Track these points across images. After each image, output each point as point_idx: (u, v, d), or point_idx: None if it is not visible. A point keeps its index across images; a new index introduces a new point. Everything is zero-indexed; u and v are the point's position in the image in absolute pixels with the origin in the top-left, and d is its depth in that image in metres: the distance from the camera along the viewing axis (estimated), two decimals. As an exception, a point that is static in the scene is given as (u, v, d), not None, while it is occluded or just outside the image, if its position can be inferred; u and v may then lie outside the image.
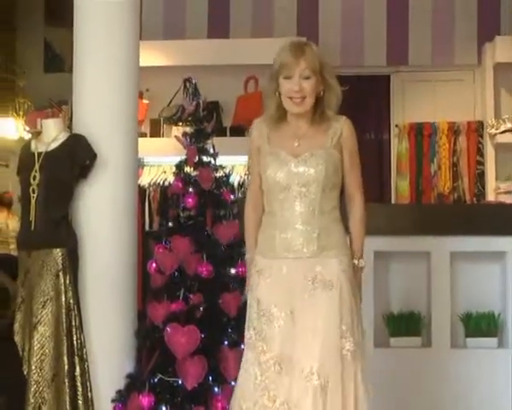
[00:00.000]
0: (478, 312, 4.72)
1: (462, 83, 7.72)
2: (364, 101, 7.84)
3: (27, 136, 9.19)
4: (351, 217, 3.55)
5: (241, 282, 4.18)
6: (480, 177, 7.47)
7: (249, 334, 3.47)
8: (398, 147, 7.68)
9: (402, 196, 7.52)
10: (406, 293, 4.74)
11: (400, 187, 7.58)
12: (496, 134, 7.25)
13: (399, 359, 4.64)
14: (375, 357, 4.60)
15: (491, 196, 7.23)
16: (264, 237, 3.53)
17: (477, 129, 7.55)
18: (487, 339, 4.68)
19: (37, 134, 4.75)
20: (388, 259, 4.72)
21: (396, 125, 7.76)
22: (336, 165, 3.45)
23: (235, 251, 4.43)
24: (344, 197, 3.55)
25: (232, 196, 4.67)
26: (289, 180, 3.41)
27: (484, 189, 7.40)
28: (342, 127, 3.50)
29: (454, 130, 7.60)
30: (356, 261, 3.49)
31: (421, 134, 7.67)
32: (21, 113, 10.11)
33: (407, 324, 4.69)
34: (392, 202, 7.53)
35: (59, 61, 10.87)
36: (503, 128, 7.22)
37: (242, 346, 3.61)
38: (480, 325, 4.70)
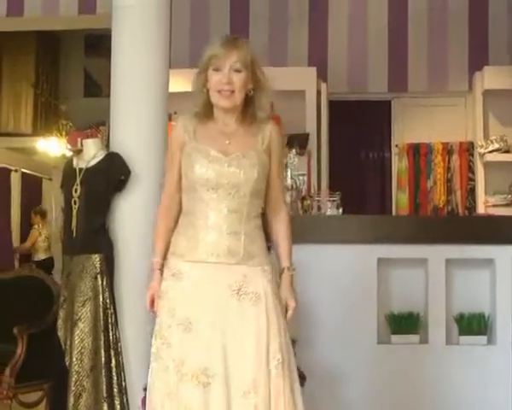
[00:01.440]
0: (470, 312, 4.67)
1: (455, 108, 7.70)
2: (368, 123, 7.92)
3: (69, 153, 9.22)
4: (278, 225, 3.04)
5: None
6: (471, 191, 7.43)
7: (156, 344, 2.87)
8: (398, 165, 7.65)
9: (402, 208, 7.50)
10: (406, 295, 4.70)
11: (400, 200, 7.55)
12: (485, 153, 7.22)
13: (399, 354, 4.60)
14: (378, 353, 4.61)
15: (481, 209, 7.19)
16: (182, 239, 2.92)
17: (468, 149, 7.51)
18: (478, 337, 4.63)
19: (78, 152, 4.75)
20: (390, 265, 4.68)
21: (396, 145, 7.74)
22: (266, 170, 2.95)
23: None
24: (265, 205, 3.03)
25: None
26: (219, 179, 2.85)
27: (475, 202, 7.36)
28: (271, 132, 2.99)
29: (448, 149, 7.56)
30: (290, 272, 3.01)
31: (418, 153, 7.63)
32: (63, 133, 10.16)
33: (406, 323, 4.64)
34: (393, 213, 7.51)
35: (96, 87, 10.93)
36: (491, 148, 7.20)
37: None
38: (472, 324, 4.66)
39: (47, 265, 9.38)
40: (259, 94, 2.95)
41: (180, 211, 3.00)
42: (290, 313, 2.97)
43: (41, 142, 10.39)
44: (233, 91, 2.89)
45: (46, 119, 10.98)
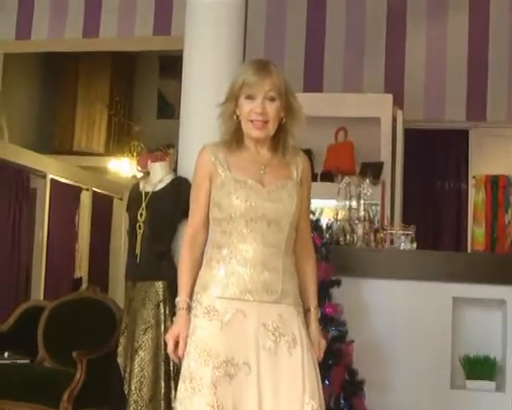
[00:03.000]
0: (551, 359, 4.38)
1: (536, 138, 7.40)
2: (445, 153, 7.68)
3: (139, 175, 9.21)
4: (306, 262, 2.84)
5: (328, 321, 3.95)
6: (553, 227, 7.11)
7: (185, 386, 2.63)
8: (475, 197, 7.37)
9: (477, 243, 7.20)
10: (482, 338, 4.45)
11: (476, 235, 7.26)
12: None
13: (474, 401, 4.33)
14: (452, 398, 4.35)
15: (562, 246, 6.86)
16: (214, 274, 2.70)
17: (549, 182, 7.22)
18: (560, 386, 4.33)
19: (146, 174, 4.66)
20: (465, 305, 4.44)
21: (473, 177, 7.47)
22: (300, 203, 2.76)
23: (323, 292, 4.20)
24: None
25: (321, 240, 4.43)
26: (258, 211, 2.66)
27: (556, 239, 7.03)
28: (304, 164, 2.82)
29: (528, 183, 7.28)
30: (317, 311, 2.84)
31: (496, 186, 7.35)
32: (135, 154, 10.18)
33: (482, 367, 4.38)
34: (469, 248, 7.23)
35: (170, 109, 10.92)
36: None
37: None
38: (554, 372, 4.36)
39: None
40: (291, 121, 2.77)
41: (205, 243, 2.81)
42: (322, 353, 2.82)
43: (113, 162, 10.43)
44: (266, 121, 2.71)
45: (119, 139, 11.04)
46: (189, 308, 2.75)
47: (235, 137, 2.77)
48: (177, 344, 2.72)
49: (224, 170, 2.73)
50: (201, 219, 2.80)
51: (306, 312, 2.81)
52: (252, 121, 2.71)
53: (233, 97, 2.75)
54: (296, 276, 2.77)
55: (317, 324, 2.83)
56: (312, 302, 2.83)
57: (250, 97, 2.71)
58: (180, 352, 2.71)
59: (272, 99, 2.70)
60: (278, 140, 2.78)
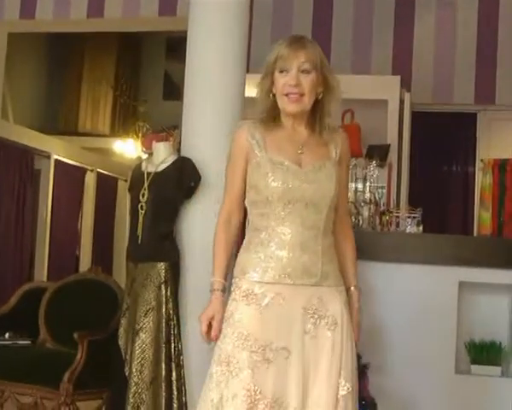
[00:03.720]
0: (558, 345, 4.33)
1: (545, 123, 7.32)
2: (452, 136, 7.57)
3: (144, 156, 9.15)
4: (346, 241, 2.81)
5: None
6: (560, 212, 7.04)
7: (223, 370, 2.59)
8: (483, 181, 7.31)
9: (484, 227, 7.14)
10: (488, 323, 4.39)
11: (483, 218, 7.20)
12: None
13: (478, 386, 4.28)
14: (456, 383, 4.31)
15: None
16: (253, 257, 2.64)
17: (558, 166, 7.14)
18: None
19: (151, 155, 4.60)
20: (472, 289, 4.38)
21: (481, 160, 7.41)
22: (340, 182, 2.71)
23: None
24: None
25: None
26: (296, 193, 2.60)
27: None
28: (343, 141, 2.76)
29: (535, 167, 7.20)
30: (357, 291, 2.79)
31: (504, 169, 7.28)
32: (140, 135, 10.12)
33: (488, 353, 4.33)
34: (475, 232, 7.17)
35: (176, 90, 10.84)
36: None
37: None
38: (560, 358, 4.31)
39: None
40: (328, 98, 2.69)
41: (240, 224, 2.77)
42: (358, 335, 2.78)
43: (118, 143, 10.37)
44: (302, 94, 2.64)
45: (124, 120, 11.00)
46: (224, 290, 2.72)
47: (271, 115, 2.71)
48: (210, 326, 2.69)
49: (260, 150, 2.68)
50: (236, 199, 2.75)
51: (347, 292, 2.77)
52: (287, 95, 2.65)
53: (268, 74, 2.69)
54: (336, 258, 2.73)
55: (358, 304, 2.79)
56: (352, 282, 2.79)
57: (284, 70, 2.65)
58: (214, 334, 2.68)
59: (307, 71, 2.64)
60: (315, 118, 2.71)
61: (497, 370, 4.32)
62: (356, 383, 2.67)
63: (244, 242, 2.73)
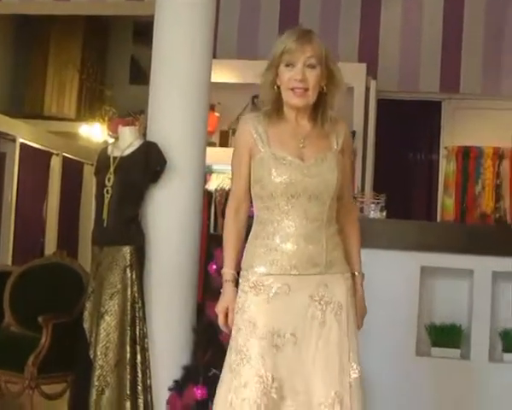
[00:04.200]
0: (517, 329, 4.43)
1: (508, 111, 7.40)
2: (417, 124, 7.66)
3: (110, 140, 9.14)
4: (350, 227, 2.87)
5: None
6: (522, 199, 7.16)
7: (235, 359, 2.67)
8: (446, 167, 7.40)
9: (447, 213, 7.25)
10: (449, 307, 4.47)
11: (446, 205, 7.30)
12: (537, 160, 6.94)
13: (439, 368, 4.37)
14: (417, 365, 4.39)
15: (530, 218, 6.92)
16: (260, 250, 2.72)
17: (520, 155, 7.25)
18: (524, 355, 4.38)
19: (117, 139, 4.62)
20: (434, 274, 4.46)
21: (445, 148, 7.50)
22: (342, 172, 2.77)
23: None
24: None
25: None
26: (298, 187, 2.67)
27: (524, 210, 7.09)
28: (345, 132, 2.82)
29: (499, 154, 7.30)
30: (360, 276, 2.85)
31: (467, 157, 7.37)
32: (106, 119, 10.07)
33: (448, 335, 4.41)
34: (438, 218, 7.27)
35: (143, 74, 10.80)
36: (543, 154, 6.92)
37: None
38: (518, 341, 4.41)
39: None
40: (332, 91, 2.74)
41: (247, 215, 2.83)
42: (362, 321, 2.87)
43: (84, 127, 10.31)
44: (307, 89, 2.68)
45: (90, 104, 10.91)
46: (235, 280, 2.78)
47: (275, 108, 2.75)
48: (227, 316, 2.76)
49: (263, 145, 2.72)
50: (243, 191, 2.81)
51: (352, 277, 2.83)
52: (292, 89, 2.69)
53: (273, 66, 2.72)
54: (341, 245, 2.79)
55: (362, 289, 2.85)
56: (356, 268, 2.84)
57: (290, 65, 2.69)
58: (231, 324, 2.75)
59: (312, 66, 2.68)
60: (318, 110, 2.76)
61: (456, 352, 4.41)
62: (360, 365, 2.73)
63: (250, 234, 2.80)
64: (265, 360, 2.62)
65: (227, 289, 2.78)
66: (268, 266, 2.69)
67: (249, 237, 2.79)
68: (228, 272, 2.79)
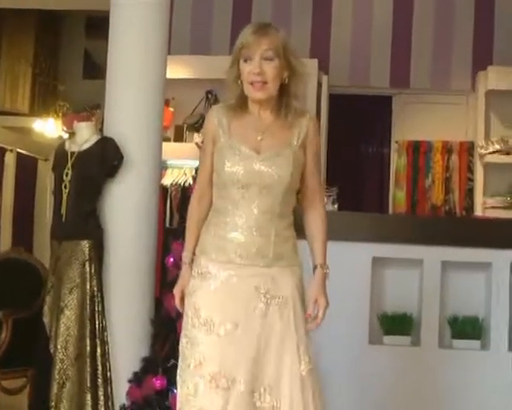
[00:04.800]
0: (464, 316, 4.58)
1: (457, 106, 7.57)
2: (368, 118, 7.80)
3: (65, 136, 9.13)
4: (313, 221, 2.91)
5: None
6: (470, 192, 7.33)
7: (182, 342, 2.78)
8: (397, 161, 7.54)
9: (399, 205, 7.40)
10: (400, 296, 4.61)
11: (397, 198, 7.45)
12: (485, 154, 7.10)
13: (391, 355, 4.51)
14: (370, 353, 4.52)
15: (478, 211, 7.10)
16: (210, 237, 2.79)
17: (468, 149, 7.40)
18: (471, 341, 4.54)
19: (72, 135, 4.66)
20: (385, 264, 4.59)
21: (396, 142, 7.61)
22: (301, 167, 2.80)
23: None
24: (301, 200, 2.93)
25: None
26: (249, 179, 2.71)
27: (473, 203, 7.26)
28: (308, 126, 2.81)
29: (448, 148, 7.45)
30: (324, 270, 2.87)
31: (418, 151, 7.52)
32: (61, 114, 10.04)
33: (399, 324, 4.55)
34: (390, 210, 7.41)
35: (96, 69, 10.78)
36: (491, 149, 7.08)
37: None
38: (466, 328, 4.56)
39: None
40: (295, 81, 2.78)
41: (211, 203, 2.87)
42: (321, 312, 2.84)
43: (38, 122, 10.26)
44: (265, 82, 2.72)
45: (44, 99, 10.85)
46: (191, 263, 2.86)
47: (239, 102, 2.80)
48: (183, 299, 2.85)
49: (224, 135, 2.79)
50: (206, 180, 2.86)
51: (314, 269, 2.87)
52: (251, 83, 2.73)
53: (235, 62, 2.77)
54: (292, 238, 2.84)
55: (320, 281, 2.86)
56: (318, 259, 2.88)
57: (248, 59, 2.72)
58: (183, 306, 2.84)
59: (270, 59, 2.71)
60: (281, 102, 2.78)
61: (407, 339, 4.56)
62: (313, 356, 2.77)
63: (205, 222, 2.86)
64: (205, 345, 2.68)
65: (184, 271, 2.87)
66: (216, 254, 2.76)
67: (204, 224, 2.86)
68: (186, 255, 2.88)
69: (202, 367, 2.68)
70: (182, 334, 2.79)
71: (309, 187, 2.89)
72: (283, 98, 2.79)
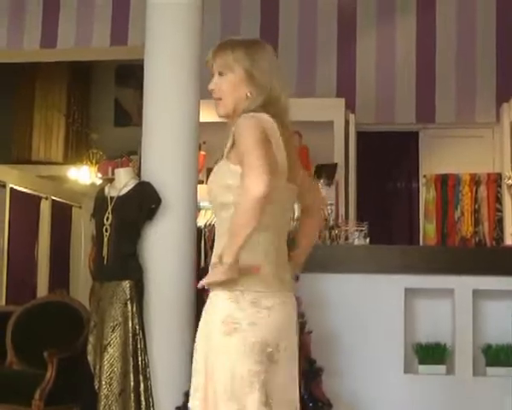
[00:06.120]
0: (497, 344, 4.68)
1: (483, 139, 7.70)
2: (396, 154, 7.94)
3: (99, 182, 9.38)
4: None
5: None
6: (499, 222, 7.41)
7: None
8: (426, 195, 7.66)
9: (429, 238, 7.49)
10: (433, 326, 4.73)
11: (427, 230, 7.55)
12: (513, 184, 7.22)
13: (426, 384, 4.61)
14: (405, 382, 4.63)
15: (509, 240, 7.16)
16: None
17: (496, 180, 7.50)
18: (506, 369, 4.62)
19: (108, 181, 4.85)
20: (417, 295, 4.72)
21: (424, 176, 7.74)
22: (224, 179, 2.50)
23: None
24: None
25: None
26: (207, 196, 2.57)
27: (502, 233, 7.33)
28: (235, 129, 2.50)
29: (475, 180, 7.56)
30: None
31: (446, 184, 7.63)
32: (94, 161, 10.31)
33: (434, 353, 4.66)
34: (420, 244, 7.51)
35: (126, 116, 11.06)
36: (518, 179, 7.19)
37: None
38: (499, 355, 4.66)
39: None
40: (255, 93, 2.55)
41: None
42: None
43: (72, 170, 10.55)
44: (219, 98, 2.58)
45: (77, 147, 11.15)
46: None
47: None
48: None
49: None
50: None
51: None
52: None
53: None
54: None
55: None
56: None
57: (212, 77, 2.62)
58: None
59: (221, 74, 2.57)
60: None
61: (442, 368, 4.66)
62: None
63: None
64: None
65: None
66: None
67: None
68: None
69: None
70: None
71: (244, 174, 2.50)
72: None
